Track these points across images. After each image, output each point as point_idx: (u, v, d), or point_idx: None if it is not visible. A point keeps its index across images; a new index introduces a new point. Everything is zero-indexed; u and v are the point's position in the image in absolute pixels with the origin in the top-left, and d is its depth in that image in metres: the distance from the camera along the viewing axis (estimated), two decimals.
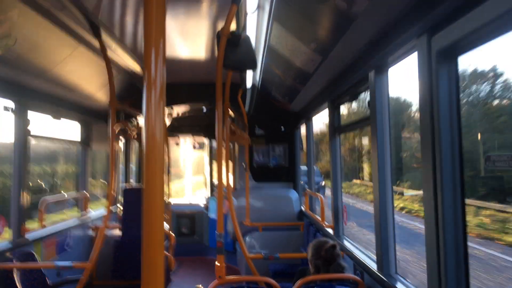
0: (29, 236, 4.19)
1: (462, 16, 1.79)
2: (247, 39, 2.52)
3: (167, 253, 6.06)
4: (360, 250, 3.75)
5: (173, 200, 8.09)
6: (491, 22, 1.64)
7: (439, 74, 2.05)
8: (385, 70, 2.96)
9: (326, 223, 4.80)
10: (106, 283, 5.62)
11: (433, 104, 2.08)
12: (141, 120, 6.79)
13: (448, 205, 2.02)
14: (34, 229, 4.30)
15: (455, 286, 1.99)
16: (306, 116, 6.13)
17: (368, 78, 3.12)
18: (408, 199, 14.35)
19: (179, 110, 7.22)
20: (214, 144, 8.91)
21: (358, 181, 21.54)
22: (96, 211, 6.15)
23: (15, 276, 3.67)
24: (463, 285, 1.99)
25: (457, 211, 2.01)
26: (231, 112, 5.95)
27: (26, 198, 4.16)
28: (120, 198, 6.67)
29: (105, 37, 3.55)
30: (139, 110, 5.78)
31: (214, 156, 8.99)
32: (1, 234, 3.86)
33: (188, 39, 4.13)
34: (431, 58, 2.09)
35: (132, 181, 8.08)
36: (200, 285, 3.50)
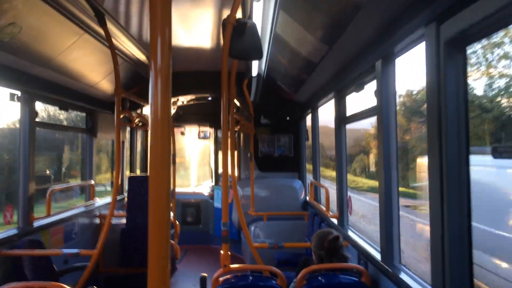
0: (36, 224, 4.24)
1: (471, 3, 1.76)
2: (253, 27, 2.50)
3: (172, 242, 6.12)
4: (364, 240, 3.75)
5: (178, 189, 8.13)
6: (501, 9, 1.61)
7: (447, 64, 2.02)
8: (392, 59, 2.93)
9: (331, 213, 4.80)
10: (113, 271, 5.69)
11: (440, 95, 2.05)
12: (146, 109, 6.80)
13: (453, 196, 2.01)
14: (41, 217, 4.35)
15: (458, 275, 1.99)
16: (312, 106, 6.10)
17: (375, 68, 3.09)
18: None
19: (184, 99, 7.22)
20: (220, 133, 8.92)
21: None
22: (102, 199, 6.20)
23: (23, 263, 3.72)
24: (466, 274, 1.99)
25: (462, 203, 2.00)
26: (236, 101, 5.93)
27: (33, 187, 4.20)
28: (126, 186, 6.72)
29: (110, 25, 3.53)
30: (145, 99, 5.78)
31: (219, 145, 9.00)
32: (9, 222, 3.91)
33: (194, 27, 4.10)
34: (439, 47, 2.06)
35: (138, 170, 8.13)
36: (205, 273, 3.53)
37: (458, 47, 2.00)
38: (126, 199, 6.46)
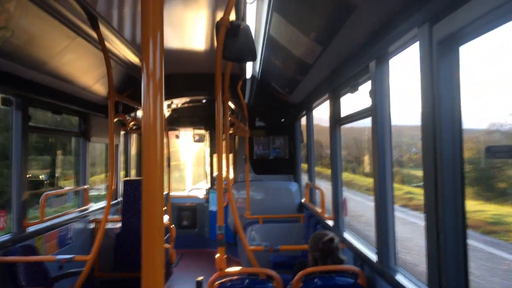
0: (30, 230, 4.19)
1: (464, 4, 1.76)
2: (247, 29, 2.49)
3: (167, 246, 6.09)
4: (360, 242, 3.75)
5: (173, 193, 8.10)
6: (493, 10, 1.61)
7: (441, 64, 2.02)
8: (386, 60, 2.93)
9: (326, 215, 4.80)
10: (108, 275, 5.65)
11: (434, 95, 2.06)
12: (140, 112, 6.77)
13: (448, 197, 2.01)
14: (35, 223, 4.30)
15: (454, 276, 2.00)
16: (306, 108, 6.10)
17: (369, 68, 3.10)
18: None
19: (178, 101, 7.20)
20: (214, 136, 8.90)
21: None
22: (97, 204, 6.16)
23: (17, 270, 3.68)
24: (462, 275, 1.99)
25: (457, 203, 2.00)
26: (231, 104, 5.93)
27: (26, 192, 4.16)
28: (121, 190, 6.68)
29: (103, 28, 3.51)
30: (138, 102, 5.76)
31: (214, 148, 8.98)
32: (3, 228, 3.87)
33: (187, 29, 4.09)
34: (432, 48, 2.07)
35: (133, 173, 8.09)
36: (201, 277, 3.51)
37: (451, 47, 2.00)
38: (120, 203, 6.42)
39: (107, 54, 3.65)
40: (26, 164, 4.17)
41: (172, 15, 3.60)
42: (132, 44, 4.32)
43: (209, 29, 4.05)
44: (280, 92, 6.36)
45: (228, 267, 3.12)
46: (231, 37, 2.44)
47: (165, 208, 6.36)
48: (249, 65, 5.01)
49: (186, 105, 7.65)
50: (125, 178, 7.01)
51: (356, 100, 3.85)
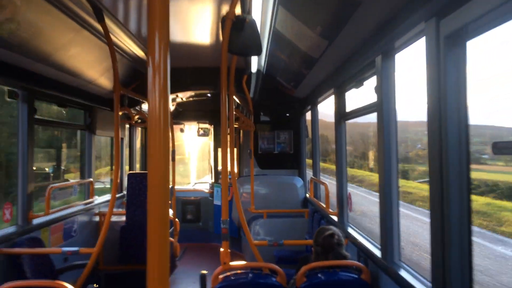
0: (36, 222, 4.23)
1: None
2: (252, 23, 2.48)
3: (172, 239, 6.12)
4: (364, 238, 3.75)
5: (178, 187, 8.13)
6: (502, 5, 1.59)
7: (448, 59, 2.00)
8: (392, 55, 2.91)
9: (331, 210, 4.80)
10: (112, 268, 5.69)
11: (440, 90, 2.04)
12: (145, 106, 6.78)
13: (453, 192, 2.00)
14: (40, 215, 4.34)
15: (459, 273, 1.99)
16: (311, 102, 6.08)
17: (375, 63, 3.08)
18: None
19: (183, 95, 7.20)
20: (219, 130, 8.91)
21: None
22: (102, 197, 6.19)
23: (22, 261, 3.72)
24: (466, 272, 1.99)
25: (462, 199, 1.99)
26: (236, 98, 5.91)
27: (32, 184, 4.19)
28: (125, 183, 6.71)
29: (108, 21, 3.50)
30: (144, 96, 5.76)
31: (219, 142, 8.99)
32: (8, 220, 3.90)
33: (192, 23, 4.08)
34: (439, 42, 2.04)
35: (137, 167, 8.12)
36: (205, 271, 3.53)
37: (458, 42, 1.98)
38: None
39: (113, 47, 3.65)
40: (32, 156, 4.20)
41: (178, 8, 3.59)
42: (137, 38, 4.32)
43: (215, 23, 4.03)
44: (285, 86, 6.34)
45: (232, 261, 3.13)
46: (236, 31, 2.43)
47: (170, 201, 6.40)
48: (254, 59, 4.99)
49: (191, 99, 7.65)
50: (130, 172, 7.03)
51: (362, 94, 3.83)
